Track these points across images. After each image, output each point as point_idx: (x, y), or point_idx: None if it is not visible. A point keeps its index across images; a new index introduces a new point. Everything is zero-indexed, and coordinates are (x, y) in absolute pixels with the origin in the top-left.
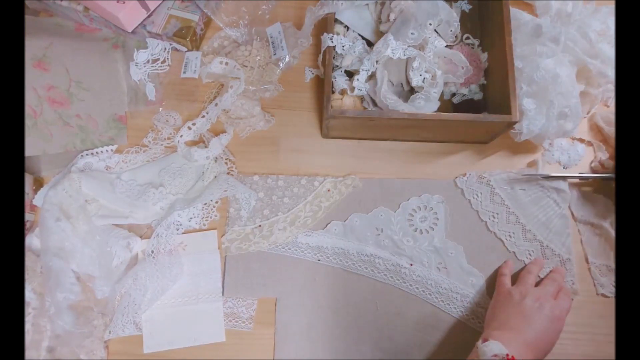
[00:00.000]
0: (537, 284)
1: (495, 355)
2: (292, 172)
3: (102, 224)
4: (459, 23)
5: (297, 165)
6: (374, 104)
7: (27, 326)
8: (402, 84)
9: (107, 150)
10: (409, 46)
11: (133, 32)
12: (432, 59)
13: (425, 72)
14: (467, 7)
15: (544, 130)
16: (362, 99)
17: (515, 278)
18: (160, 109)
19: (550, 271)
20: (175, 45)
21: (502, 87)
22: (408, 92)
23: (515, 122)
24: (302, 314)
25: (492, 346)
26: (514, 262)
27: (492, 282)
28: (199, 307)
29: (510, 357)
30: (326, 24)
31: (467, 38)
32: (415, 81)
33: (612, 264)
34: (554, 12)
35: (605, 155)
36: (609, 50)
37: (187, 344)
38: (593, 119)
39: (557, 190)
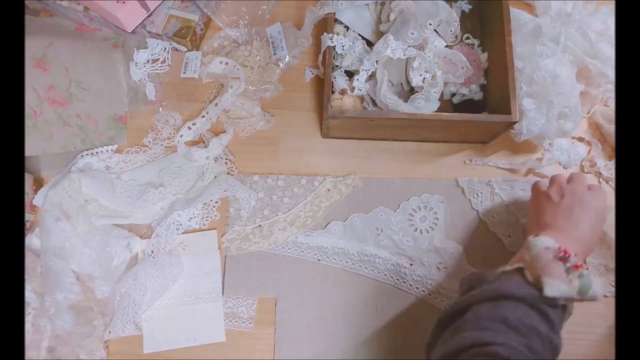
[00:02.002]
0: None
1: (547, 248)
2: (292, 172)
3: (102, 224)
4: (459, 23)
5: (297, 165)
6: (374, 104)
7: (27, 326)
8: (402, 84)
9: (107, 150)
10: (409, 46)
11: (133, 32)
12: (432, 59)
13: (425, 72)
14: (467, 7)
15: (543, 131)
16: (362, 99)
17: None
18: (160, 109)
19: (574, 173)
20: (175, 45)
21: (502, 87)
22: (408, 92)
23: (515, 122)
24: (302, 313)
25: (543, 239)
26: None
27: None
28: (199, 307)
29: (562, 249)
30: (326, 24)
31: (467, 38)
32: (415, 81)
33: (610, 264)
34: (554, 12)
35: (599, 154)
36: (609, 50)
37: (187, 344)
38: (593, 117)
39: None
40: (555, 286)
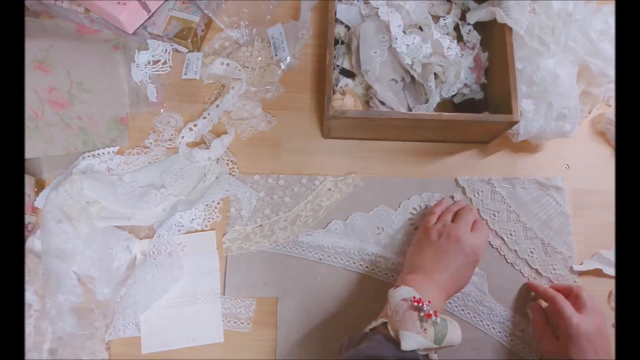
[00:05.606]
0: (453, 219)
1: (404, 299)
2: (293, 173)
3: (104, 225)
4: (459, 23)
5: (298, 166)
6: (382, 103)
7: (29, 328)
8: (403, 77)
9: (108, 152)
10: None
11: (134, 33)
12: (435, 38)
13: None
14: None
15: (541, 131)
16: (367, 99)
17: None
18: (162, 110)
19: (463, 207)
20: (176, 46)
21: (503, 86)
22: (410, 84)
23: (516, 122)
24: (303, 313)
25: (401, 290)
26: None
27: (494, 281)
28: (197, 307)
29: (417, 299)
30: (327, 24)
31: (468, 33)
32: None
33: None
34: (554, 12)
35: None
36: (610, 49)
37: (185, 344)
38: (599, 125)
39: (556, 188)
40: (410, 339)
